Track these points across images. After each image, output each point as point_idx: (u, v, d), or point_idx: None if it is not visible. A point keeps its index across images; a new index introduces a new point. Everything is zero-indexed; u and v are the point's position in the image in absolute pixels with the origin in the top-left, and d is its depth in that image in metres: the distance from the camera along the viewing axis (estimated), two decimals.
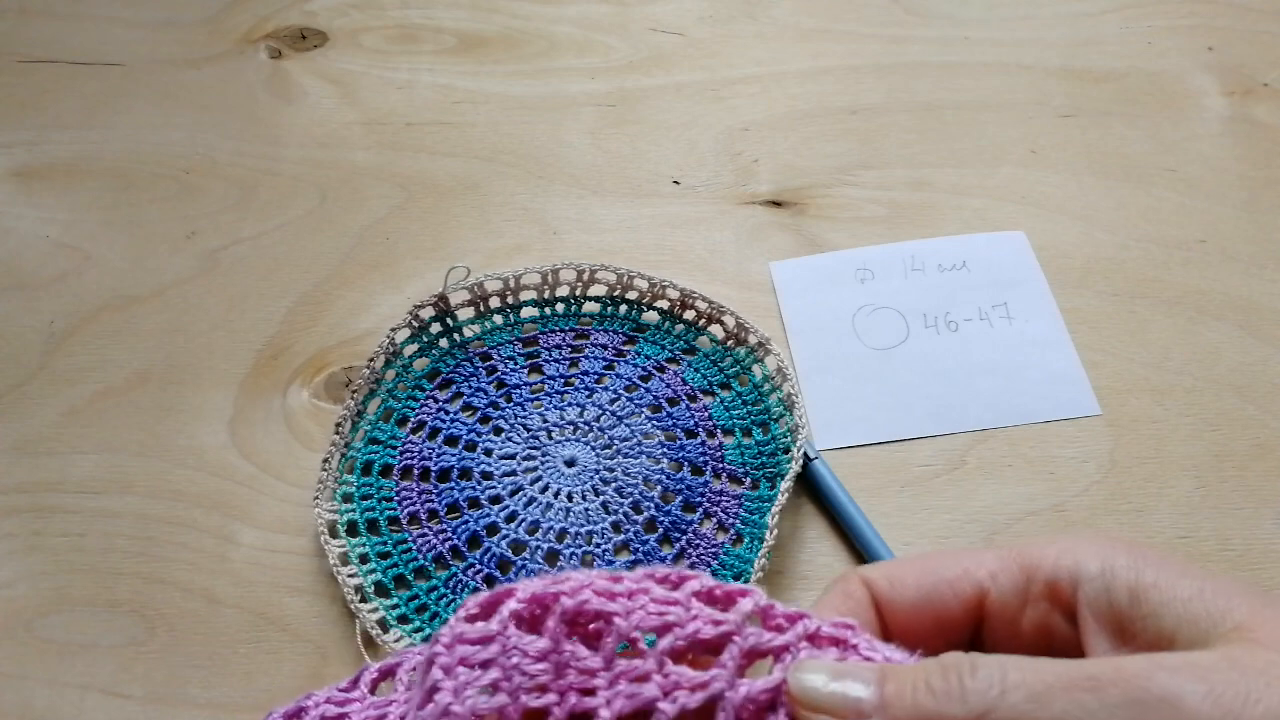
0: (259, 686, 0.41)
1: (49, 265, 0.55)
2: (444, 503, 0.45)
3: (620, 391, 0.48)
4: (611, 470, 0.46)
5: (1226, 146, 0.58)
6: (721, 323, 0.50)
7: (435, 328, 0.50)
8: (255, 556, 0.44)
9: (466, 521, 0.44)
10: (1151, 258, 0.53)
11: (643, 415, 0.47)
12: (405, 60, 0.64)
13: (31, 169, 0.59)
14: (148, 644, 0.42)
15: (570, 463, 0.46)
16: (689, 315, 0.50)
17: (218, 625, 0.42)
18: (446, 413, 0.48)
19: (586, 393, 0.48)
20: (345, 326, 0.52)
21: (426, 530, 0.44)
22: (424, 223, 0.56)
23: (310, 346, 0.51)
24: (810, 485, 0.45)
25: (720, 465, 0.46)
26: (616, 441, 0.46)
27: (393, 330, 0.49)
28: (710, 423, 0.47)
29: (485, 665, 0.22)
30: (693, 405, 0.48)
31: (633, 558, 0.43)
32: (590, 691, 0.22)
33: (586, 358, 0.49)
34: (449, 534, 0.44)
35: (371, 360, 0.48)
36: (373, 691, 0.29)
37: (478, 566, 0.43)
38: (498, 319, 0.51)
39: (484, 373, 0.49)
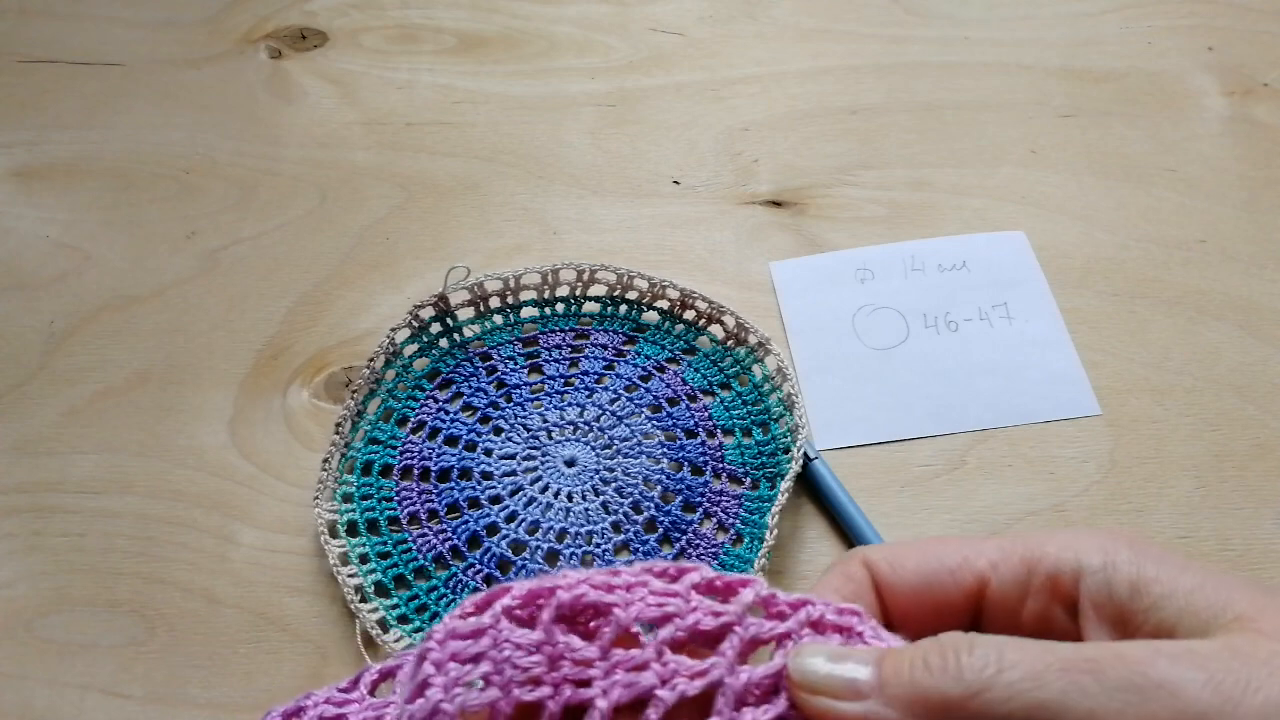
0: (259, 686, 0.41)
1: (49, 265, 0.55)
2: (444, 503, 0.45)
3: (620, 391, 0.48)
4: (611, 470, 0.46)
5: (1226, 146, 0.58)
6: (721, 323, 0.50)
7: (435, 328, 0.50)
8: (255, 556, 0.44)
9: (466, 521, 0.44)
10: (1151, 258, 0.53)
11: (643, 415, 0.47)
12: (405, 60, 0.64)
13: (31, 169, 0.59)
14: (148, 644, 0.42)
15: (570, 463, 0.46)
16: (689, 315, 0.50)
17: (218, 625, 0.42)
18: (446, 413, 0.48)
19: (586, 393, 0.48)
20: (345, 326, 0.52)
21: (426, 530, 0.44)
22: (424, 223, 0.56)
23: (310, 346, 0.51)
24: (810, 485, 0.45)
25: (720, 465, 0.46)
26: (616, 441, 0.46)
27: (393, 330, 0.49)
28: (710, 423, 0.47)
29: (476, 659, 0.22)
30: (693, 405, 0.48)
31: (632, 558, 0.43)
32: (586, 683, 0.22)
33: (586, 358, 0.49)
34: (449, 534, 0.44)
35: (371, 360, 0.48)
36: (372, 693, 0.29)
37: (478, 566, 0.43)
38: (498, 319, 0.51)
39: (484, 373, 0.49)
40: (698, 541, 0.44)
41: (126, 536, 0.45)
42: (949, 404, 0.48)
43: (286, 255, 0.55)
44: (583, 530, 0.44)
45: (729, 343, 0.49)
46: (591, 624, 0.23)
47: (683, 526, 0.44)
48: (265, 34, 0.66)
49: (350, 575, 0.42)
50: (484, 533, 0.44)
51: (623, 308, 0.51)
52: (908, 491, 0.46)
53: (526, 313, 0.51)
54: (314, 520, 0.44)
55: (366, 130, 0.60)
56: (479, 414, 0.48)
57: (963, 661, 0.21)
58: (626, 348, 0.50)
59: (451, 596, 0.43)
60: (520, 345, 0.50)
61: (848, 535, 0.44)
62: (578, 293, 0.51)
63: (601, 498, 0.45)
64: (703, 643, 0.23)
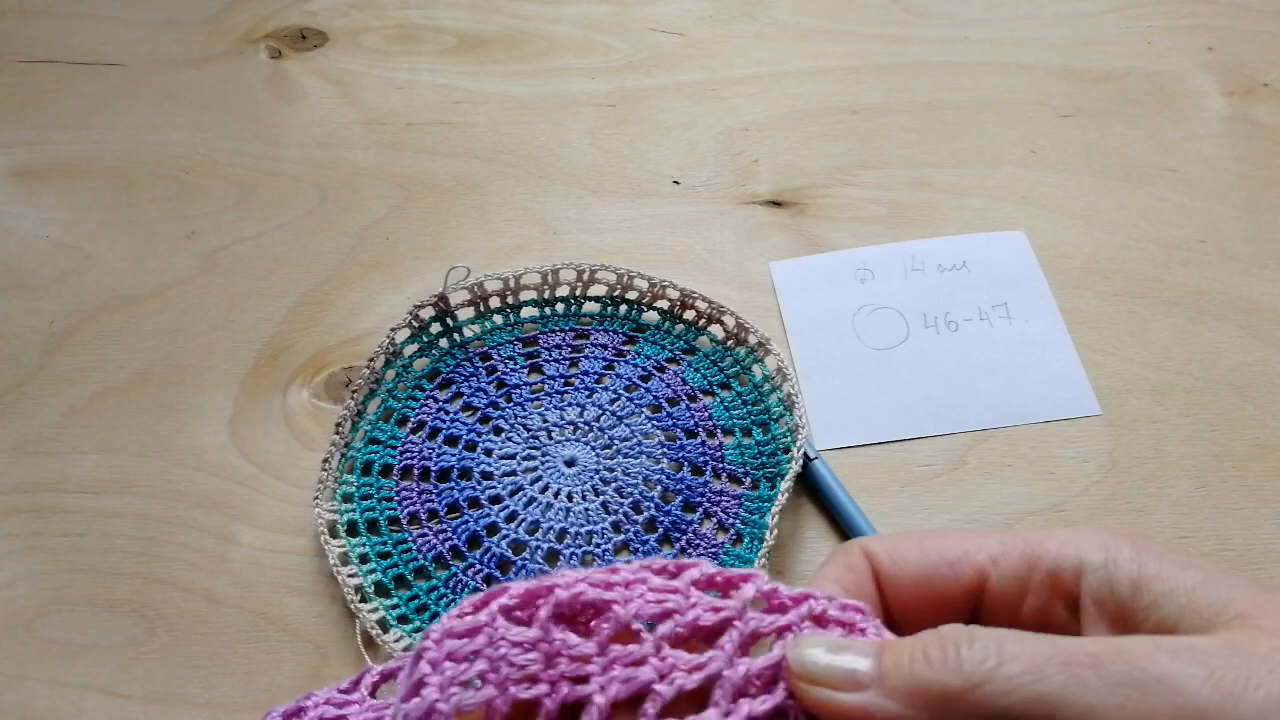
0: (259, 686, 0.41)
1: (49, 265, 0.55)
2: (444, 503, 0.45)
3: (620, 391, 0.48)
4: (611, 470, 0.46)
5: (1226, 146, 0.58)
6: (721, 323, 0.50)
7: (435, 328, 0.50)
8: (255, 556, 0.44)
9: (466, 521, 0.44)
10: (1151, 258, 0.53)
11: (643, 415, 0.47)
12: (405, 60, 0.64)
13: (31, 169, 0.59)
14: (148, 644, 0.42)
15: (570, 463, 0.46)
16: (689, 315, 0.50)
17: (218, 625, 0.42)
18: (446, 413, 0.48)
19: (586, 393, 0.48)
20: (345, 326, 0.52)
21: (426, 530, 0.44)
22: (424, 223, 0.56)
23: (310, 346, 0.51)
24: (810, 485, 0.45)
25: (720, 465, 0.46)
26: (616, 441, 0.46)
27: (393, 330, 0.49)
28: (710, 423, 0.47)
29: (472, 657, 0.22)
30: (693, 405, 0.48)
31: (632, 558, 0.43)
32: (584, 679, 0.22)
33: (586, 358, 0.49)
34: (449, 534, 0.44)
35: (371, 360, 0.48)
36: (373, 694, 0.29)
37: (478, 566, 0.43)
38: (498, 319, 0.51)
39: (484, 373, 0.49)
40: (698, 541, 0.44)
41: (126, 536, 0.45)
42: (949, 404, 0.48)
43: (286, 255, 0.55)
44: (583, 530, 0.44)
45: (729, 343, 0.49)
46: (591, 623, 0.23)
47: (683, 526, 0.44)
48: (265, 34, 0.66)
49: (350, 575, 0.42)
50: (484, 533, 0.44)
51: (623, 308, 0.51)
52: (908, 491, 0.46)
53: (526, 313, 0.51)
54: (314, 520, 0.44)
55: (366, 130, 0.60)
56: (479, 414, 0.48)
57: (963, 654, 0.20)
58: (626, 348, 0.50)
59: (451, 596, 0.43)
60: (520, 345, 0.50)
61: (847, 535, 0.44)
62: (578, 293, 0.51)
63: (601, 498, 0.45)
64: (703, 638, 0.23)
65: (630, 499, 0.45)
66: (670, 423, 0.47)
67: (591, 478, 0.45)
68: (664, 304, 0.51)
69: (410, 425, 0.47)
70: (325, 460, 0.45)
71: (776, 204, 0.56)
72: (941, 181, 0.57)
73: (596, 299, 0.51)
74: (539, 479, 0.45)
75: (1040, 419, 0.48)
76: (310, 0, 0.68)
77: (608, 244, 0.55)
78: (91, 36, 0.66)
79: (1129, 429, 0.47)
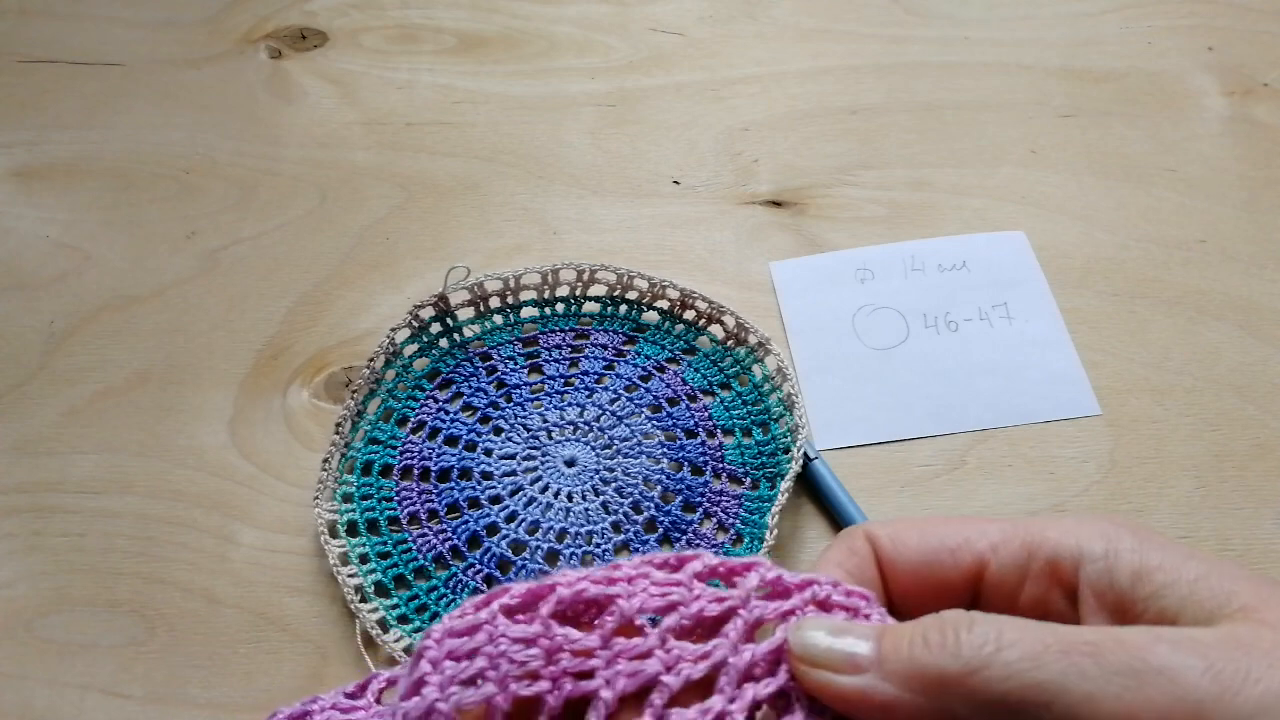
0: (259, 686, 0.41)
1: (49, 265, 0.55)
2: (444, 503, 0.45)
3: (620, 391, 0.48)
4: (611, 470, 0.46)
5: (1226, 146, 0.58)
6: (721, 323, 0.50)
7: (435, 328, 0.50)
8: (255, 556, 0.44)
9: (466, 521, 0.44)
10: (1151, 258, 0.53)
11: (643, 415, 0.47)
12: (405, 60, 0.64)
13: (31, 169, 0.59)
14: (148, 644, 0.42)
15: (570, 463, 0.46)
16: (689, 315, 0.50)
17: (218, 625, 0.42)
18: (446, 413, 0.48)
19: (586, 393, 0.48)
20: (345, 326, 0.52)
21: (426, 530, 0.44)
22: (424, 223, 0.56)
23: (310, 346, 0.51)
24: (810, 485, 0.45)
25: (720, 465, 0.46)
26: (616, 441, 0.46)
27: (393, 330, 0.49)
28: (710, 423, 0.47)
29: (472, 655, 0.21)
30: (693, 405, 0.48)
31: (632, 558, 0.43)
32: (587, 675, 0.22)
33: (586, 358, 0.49)
34: (449, 534, 0.44)
35: (371, 360, 0.48)
36: (379, 700, 0.29)
37: (478, 566, 0.43)
38: (498, 319, 0.51)
39: (484, 373, 0.49)
40: (698, 542, 0.44)
41: (126, 536, 0.45)
42: (949, 404, 0.48)
43: (286, 255, 0.55)
44: (583, 530, 0.44)
45: (729, 343, 0.49)
46: (594, 621, 0.23)
47: (683, 526, 0.44)
48: (265, 34, 0.66)
49: (350, 575, 0.42)
50: (484, 533, 0.44)
51: (623, 308, 0.51)
52: (908, 491, 0.46)
53: (526, 313, 0.51)
54: (314, 520, 0.44)
55: (366, 130, 0.60)
56: (479, 414, 0.48)
57: (961, 639, 0.20)
58: (626, 348, 0.50)
59: (451, 596, 0.43)
60: (520, 345, 0.50)
61: None
62: (578, 293, 0.51)
63: (601, 498, 0.45)
64: (707, 629, 0.23)
65: (630, 499, 0.45)
66: (670, 423, 0.47)
67: (591, 478, 0.45)
68: (664, 304, 0.51)
69: (410, 425, 0.47)
70: (325, 460, 0.45)
71: (776, 204, 0.56)
72: (941, 181, 0.57)
73: (596, 299, 0.51)
74: (539, 479, 0.45)
75: (1040, 419, 0.48)
76: (310, 0, 0.68)
77: (608, 244, 0.55)
78: (91, 36, 0.66)
79: (1129, 429, 0.47)
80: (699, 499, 0.45)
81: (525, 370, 0.49)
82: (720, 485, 0.45)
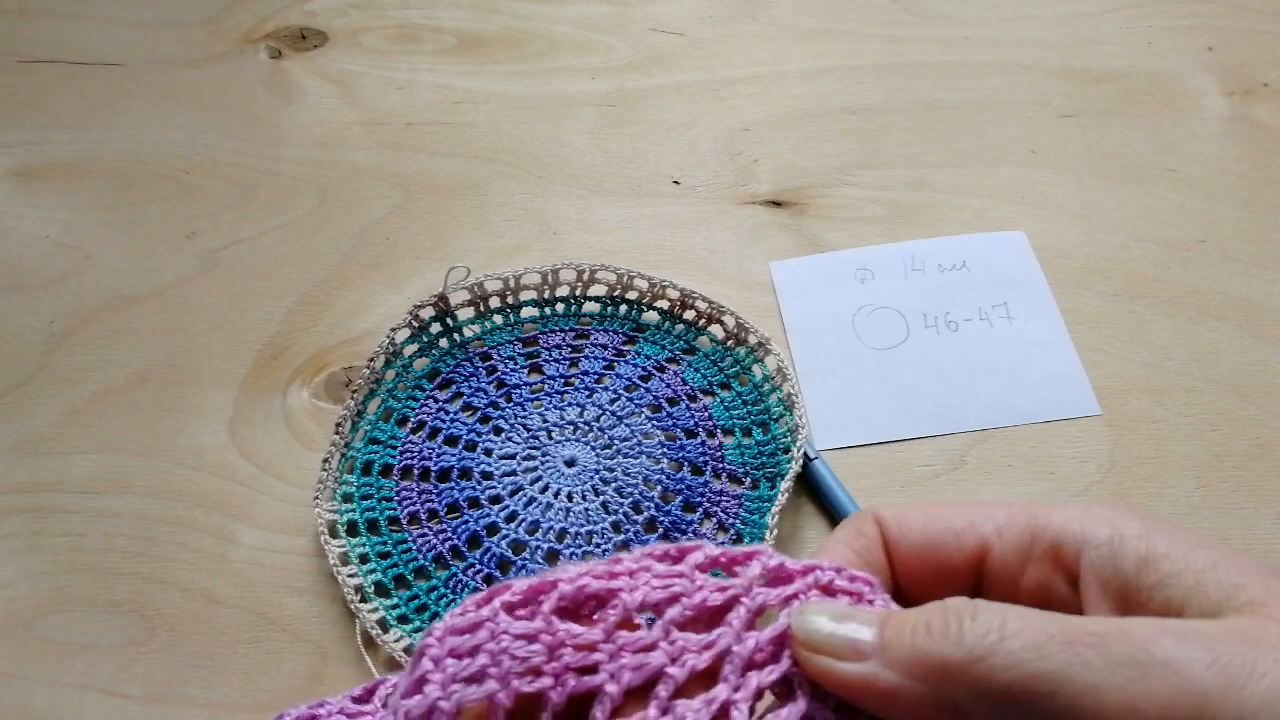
0: (259, 686, 0.41)
1: (49, 265, 0.55)
2: (444, 503, 0.45)
3: (620, 391, 0.48)
4: (611, 470, 0.46)
5: (1226, 146, 0.58)
6: (721, 323, 0.50)
7: (435, 328, 0.50)
8: (255, 556, 0.44)
9: (466, 521, 0.44)
10: (1151, 258, 0.53)
11: (643, 415, 0.47)
12: (405, 60, 0.64)
13: (31, 169, 0.59)
14: (148, 644, 0.42)
15: (570, 463, 0.46)
16: (689, 315, 0.50)
17: (218, 625, 0.42)
18: (446, 413, 0.48)
19: (586, 393, 0.48)
20: (345, 326, 0.52)
21: (426, 530, 0.44)
22: (424, 223, 0.56)
23: (310, 346, 0.51)
24: (810, 485, 0.45)
25: (720, 465, 0.46)
26: (616, 441, 0.46)
27: (393, 330, 0.49)
28: (710, 423, 0.47)
29: (474, 653, 0.21)
30: (693, 405, 0.48)
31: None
32: (590, 669, 0.21)
33: (586, 358, 0.49)
34: (449, 534, 0.44)
35: (371, 360, 0.48)
36: (385, 706, 0.29)
37: (478, 566, 0.43)
38: (498, 319, 0.51)
39: (484, 373, 0.49)
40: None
41: (126, 536, 0.45)
42: (949, 404, 0.48)
43: (286, 255, 0.55)
44: (583, 530, 0.44)
45: (729, 343, 0.49)
46: (595, 615, 0.23)
47: (683, 526, 0.44)
48: (265, 34, 0.66)
49: (350, 575, 0.42)
50: (484, 533, 0.44)
51: (623, 308, 0.51)
52: (908, 491, 0.46)
53: (526, 313, 0.51)
54: (314, 520, 0.44)
55: (366, 130, 0.60)
56: (479, 414, 0.48)
57: (965, 627, 0.20)
58: (626, 348, 0.50)
59: (451, 596, 0.43)
60: (520, 345, 0.50)
61: None
62: (578, 293, 0.51)
63: (601, 498, 0.45)
64: (710, 619, 0.23)
65: (630, 499, 0.45)
66: (670, 423, 0.47)
67: (591, 478, 0.45)
68: (664, 304, 0.51)
69: (410, 425, 0.47)
70: (325, 460, 0.45)
71: (776, 204, 0.56)
72: (941, 181, 0.57)
73: (596, 299, 0.51)
74: (539, 479, 0.45)
75: (1040, 419, 0.48)
76: (310, 0, 0.68)
77: (608, 244, 0.55)
78: (91, 36, 0.66)
79: (1129, 429, 0.47)
80: (699, 499, 0.45)
81: (525, 370, 0.49)
82: (720, 485, 0.45)
